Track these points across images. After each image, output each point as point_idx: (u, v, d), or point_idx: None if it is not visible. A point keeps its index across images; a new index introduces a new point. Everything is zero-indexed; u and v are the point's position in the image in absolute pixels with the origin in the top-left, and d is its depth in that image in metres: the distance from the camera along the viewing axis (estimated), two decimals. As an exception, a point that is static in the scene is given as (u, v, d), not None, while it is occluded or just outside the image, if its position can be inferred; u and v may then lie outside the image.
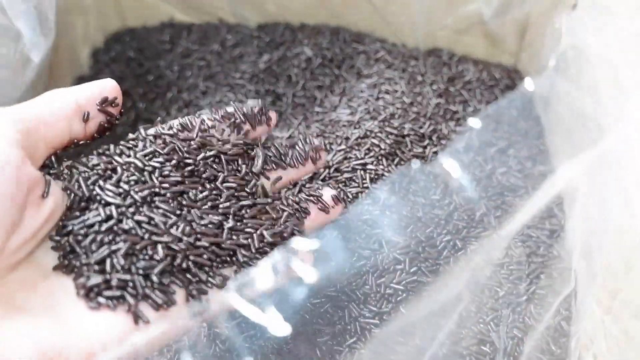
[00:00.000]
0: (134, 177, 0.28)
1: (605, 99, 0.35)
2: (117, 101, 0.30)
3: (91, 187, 0.28)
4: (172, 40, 0.62)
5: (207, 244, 0.28)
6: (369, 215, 0.41)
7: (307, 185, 0.43)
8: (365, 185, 0.43)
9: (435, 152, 0.48)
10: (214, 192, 0.30)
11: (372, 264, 0.38)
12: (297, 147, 0.36)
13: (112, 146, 0.30)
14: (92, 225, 0.27)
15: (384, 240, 0.39)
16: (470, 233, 0.43)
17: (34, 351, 0.23)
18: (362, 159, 0.45)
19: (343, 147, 0.46)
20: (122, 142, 0.30)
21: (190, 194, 0.29)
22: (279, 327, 0.20)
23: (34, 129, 0.27)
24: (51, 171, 0.29)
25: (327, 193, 0.35)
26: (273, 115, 0.36)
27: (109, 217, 0.27)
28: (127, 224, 0.27)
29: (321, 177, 0.45)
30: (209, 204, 0.30)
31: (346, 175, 0.45)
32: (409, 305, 0.37)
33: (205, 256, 0.28)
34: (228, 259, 0.29)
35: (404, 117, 0.49)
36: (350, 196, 0.42)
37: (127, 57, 0.61)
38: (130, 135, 0.31)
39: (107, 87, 0.30)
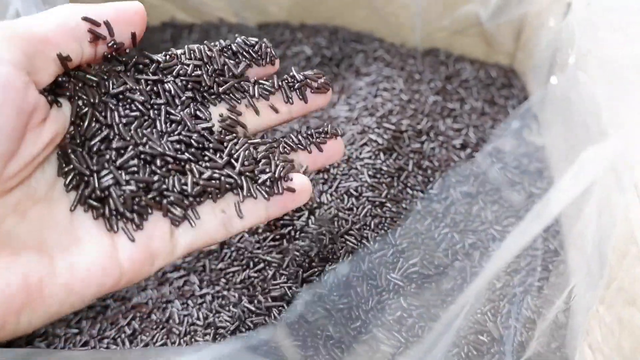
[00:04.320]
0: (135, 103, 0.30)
1: (607, 97, 0.35)
2: (136, 29, 0.29)
3: (101, 110, 0.29)
4: (173, 39, 0.62)
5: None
6: (370, 205, 0.41)
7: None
8: (363, 179, 0.44)
9: (433, 148, 0.49)
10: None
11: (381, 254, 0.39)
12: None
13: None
14: (99, 140, 0.28)
15: (390, 231, 0.40)
16: (467, 227, 0.43)
17: (19, 281, 0.24)
18: (360, 153, 0.46)
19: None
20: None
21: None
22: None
23: (40, 50, 0.25)
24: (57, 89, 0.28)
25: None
26: (276, 60, 0.34)
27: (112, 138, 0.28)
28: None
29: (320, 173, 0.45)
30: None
31: (344, 169, 0.45)
32: (410, 298, 0.38)
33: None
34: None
35: (401, 114, 0.50)
36: (351, 190, 0.43)
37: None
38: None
39: (127, 9, 0.28)
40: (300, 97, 0.34)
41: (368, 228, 0.40)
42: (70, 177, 0.28)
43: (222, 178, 0.30)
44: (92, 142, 0.28)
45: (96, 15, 0.27)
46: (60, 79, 0.27)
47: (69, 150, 0.28)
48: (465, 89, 0.56)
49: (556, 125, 0.49)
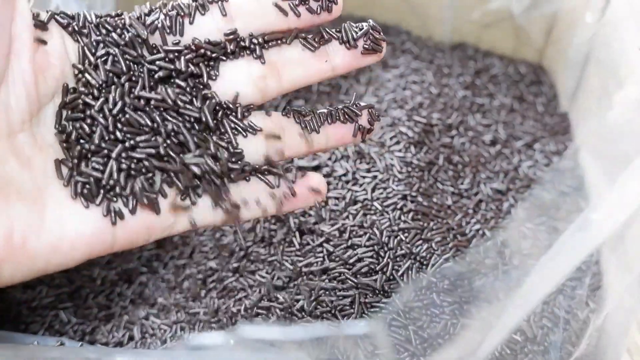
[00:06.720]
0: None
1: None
2: None
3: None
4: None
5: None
6: (398, 197, 0.41)
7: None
8: (393, 172, 0.43)
9: (463, 143, 0.48)
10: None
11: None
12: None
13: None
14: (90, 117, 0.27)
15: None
16: (498, 223, 0.43)
17: (2, 232, 0.23)
18: (389, 146, 0.45)
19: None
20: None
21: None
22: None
23: None
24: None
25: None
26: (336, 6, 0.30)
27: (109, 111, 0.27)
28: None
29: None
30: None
31: (374, 161, 0.44)
32: (442, 296, 0.37)
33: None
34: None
35: (431, 107, 0.49)
36: (381, 182, 0.42)
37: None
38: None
39: None
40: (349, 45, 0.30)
41: (402, 222, 0.39)
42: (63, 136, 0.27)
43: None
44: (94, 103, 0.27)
45: None
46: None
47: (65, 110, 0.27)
48: (494, 85, 0.55)
49: (589, 123, 0.48)
